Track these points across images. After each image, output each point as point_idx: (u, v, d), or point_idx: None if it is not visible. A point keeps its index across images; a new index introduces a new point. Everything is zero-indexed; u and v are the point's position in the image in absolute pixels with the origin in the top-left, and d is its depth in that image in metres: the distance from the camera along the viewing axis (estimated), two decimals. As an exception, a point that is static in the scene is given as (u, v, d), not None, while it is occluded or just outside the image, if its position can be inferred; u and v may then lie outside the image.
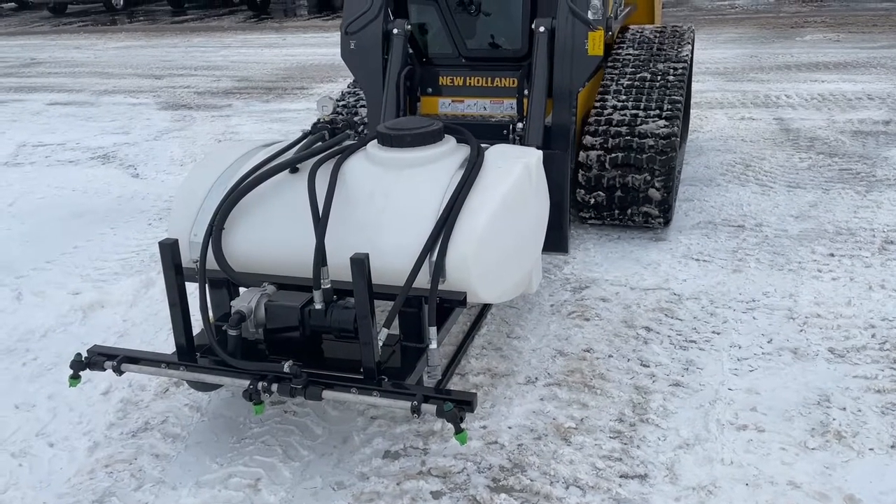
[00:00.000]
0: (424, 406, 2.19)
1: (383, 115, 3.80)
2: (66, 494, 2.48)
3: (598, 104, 4.24)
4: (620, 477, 2.42)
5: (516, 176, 2.66)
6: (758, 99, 7.12)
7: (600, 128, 4.09)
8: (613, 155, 4.00)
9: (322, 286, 2.41)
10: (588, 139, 4.06)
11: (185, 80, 10.02)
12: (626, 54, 4.64)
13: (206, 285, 2.57)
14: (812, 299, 3.43)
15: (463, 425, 2.19)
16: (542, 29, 3.68)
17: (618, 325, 3.32)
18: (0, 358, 3.33)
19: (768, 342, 3.12)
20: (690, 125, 6.02)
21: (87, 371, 2.55)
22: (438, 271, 2.41)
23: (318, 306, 2.43)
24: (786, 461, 2.44)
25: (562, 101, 3.74)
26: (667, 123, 4.04)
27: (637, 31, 4.93)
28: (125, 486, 2.51)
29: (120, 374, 2.54)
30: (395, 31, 3.90)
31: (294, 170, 2.72)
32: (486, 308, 3.29)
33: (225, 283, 2.70)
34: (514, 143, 3.76)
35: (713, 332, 3.23)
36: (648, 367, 3.00)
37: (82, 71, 11.39)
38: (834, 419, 2.62)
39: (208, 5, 20.07)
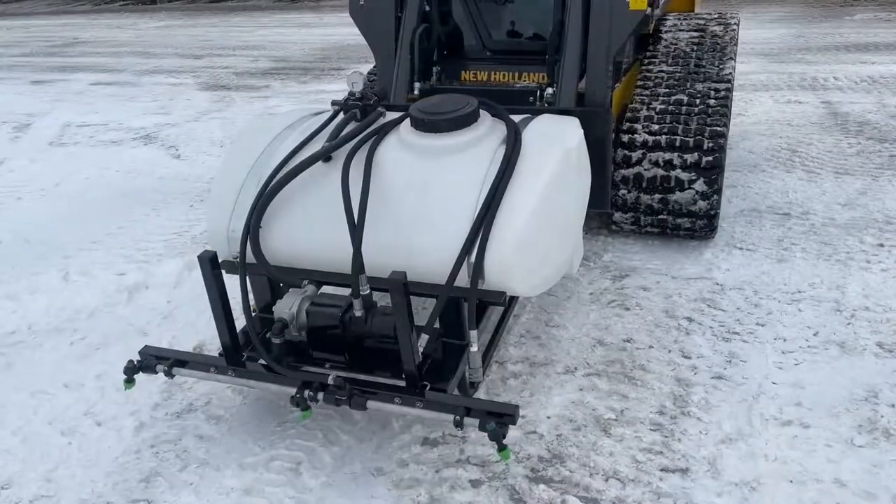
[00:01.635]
0: (467, 420, 2.24)
1: (395, 81, 3.51)
2: (114, 473, 2.55)
3: (625, 137, 3.73)
4: (661, 470, 2.40)
5: (556, 165, 2.55)
6: (804, 81, 6.93)
7: (630, 195, 3.73)
8: (647, 230, 3.87)
9: (361, 293, 2.40)
10: (618, 216, 3.84)
11: (223, 61, 10.10)
12: (659, 71, 4.10)
13: (248, 286, 2.57)
14: (860, 291, 3.35)
15: (506, 441, 2.20)
16: None
17: (659, 314, 3.28)
18: (49, 337, 3.42)
19: (814, 335, 3.06)
20: (734, 109, 5.88)
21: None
22: (478, 273, 2.35)
23: (357, 314, 2.42)
24: (832, 458, 2.40)
25: (597, 65, 3.37)
26: (706, 189, 3.59)
27: (671, 44, 4.33)
28: (171, 467, 2.56)
29: (171, 378, 2.60)
30: None
31: (327, 158, 2.69)
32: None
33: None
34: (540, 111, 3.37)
35: (757, 323, 3.17)
36: (690, 358, 2.96)
37: (124, 51, 11.54)
38: (882, 416, 2.57)
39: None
